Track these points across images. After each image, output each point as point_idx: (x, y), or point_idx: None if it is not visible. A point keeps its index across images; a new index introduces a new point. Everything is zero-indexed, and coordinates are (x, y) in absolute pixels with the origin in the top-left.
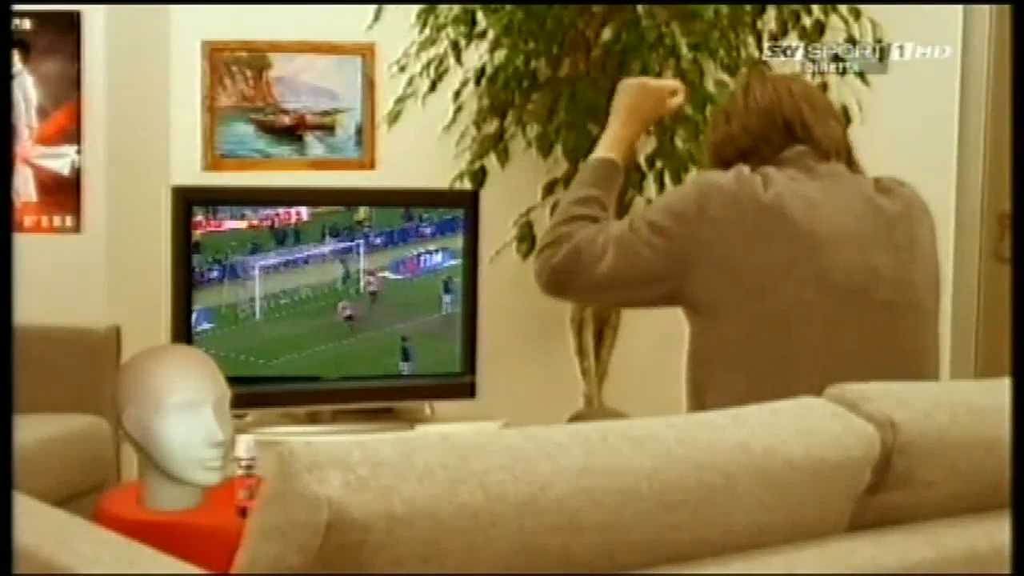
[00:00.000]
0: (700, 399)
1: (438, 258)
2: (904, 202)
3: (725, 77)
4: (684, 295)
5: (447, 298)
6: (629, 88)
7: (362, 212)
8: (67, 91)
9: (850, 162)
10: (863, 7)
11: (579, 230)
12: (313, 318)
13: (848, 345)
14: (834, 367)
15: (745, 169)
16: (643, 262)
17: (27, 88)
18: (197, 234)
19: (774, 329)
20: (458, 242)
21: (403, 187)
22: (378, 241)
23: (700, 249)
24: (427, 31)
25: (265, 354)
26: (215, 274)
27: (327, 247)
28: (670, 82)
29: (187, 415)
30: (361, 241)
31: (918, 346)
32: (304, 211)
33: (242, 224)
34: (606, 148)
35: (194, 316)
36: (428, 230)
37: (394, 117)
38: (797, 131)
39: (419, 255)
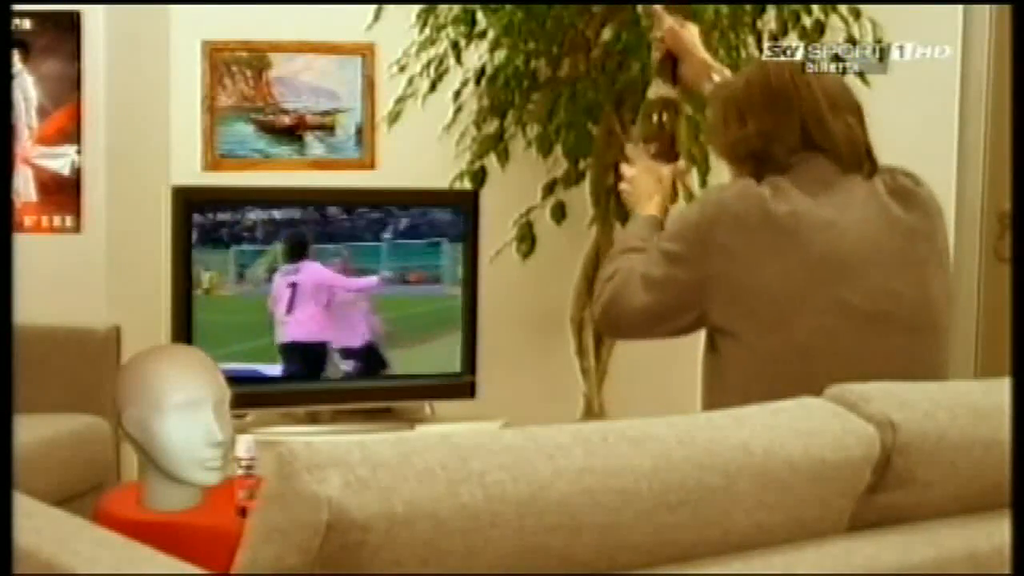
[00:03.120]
0: None
1: (438, 258)
2: (921, 210)
3: None
4: (709, 321)
5: (447, 298)
6: (640, 173)
7: (362, 212)
8: (67, 91)
9: (870, 158)
10: (863, 7)
11: (620, 270)
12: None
13: (869, 372)
14: None
15: (752, 184)
16: (669, 296)
17: (27, 88)
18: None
19: (795, 359)
20: (458, 242)
21: (403, 187)
22: (378, 241)
23: (714, 278)
24: (427, 31)
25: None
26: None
27: (326, 247)
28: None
29: (187, 415)
30: (361, 241)
31: (935, 368)
32: (303, 211)
33: (242, 224)
34: (649, 209)
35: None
36: (428, 230)
37: (394, 117)
38: (815, 135)
39: (419, 255)
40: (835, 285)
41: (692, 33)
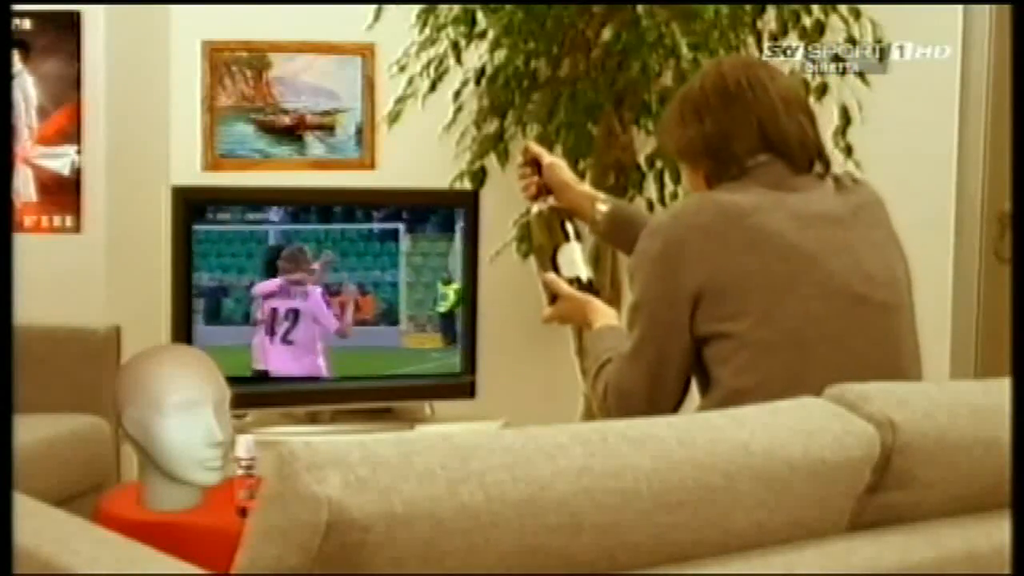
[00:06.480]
0: None
1: (437, 258)
2: (869, 202)
3: None
4: (698, 333)
5: (447, 298)
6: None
7: (362, 212)
8: (67, 91)
9: (822, 158)
10: (863, 7)
11: (603, 372)
12: None
13: (856, 353)
14: (844, 376)
15: (705, 194)
16: (658, 334)
17: (27, 88)
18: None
19: (787, 347)
20: (458, 242)
21: (403, 187)
22: (377, 241)
23: (696, 287)
24: (427, 31)
25: None
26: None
27: (326, 247)
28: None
29: (187, 415)
30: (361, 241)
31: (910, 345)
32: (304, 211)
33: (242, 224)
34: (600, 321)
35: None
36: (428, 230)
37: (394, 117)
38: (771, 134)
39: (418, 255)
40: (813, 271)
41: (564, 167)
